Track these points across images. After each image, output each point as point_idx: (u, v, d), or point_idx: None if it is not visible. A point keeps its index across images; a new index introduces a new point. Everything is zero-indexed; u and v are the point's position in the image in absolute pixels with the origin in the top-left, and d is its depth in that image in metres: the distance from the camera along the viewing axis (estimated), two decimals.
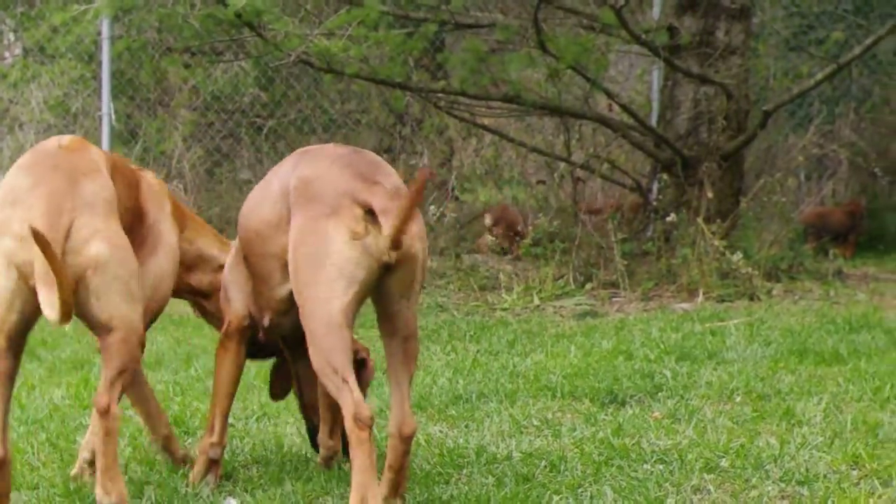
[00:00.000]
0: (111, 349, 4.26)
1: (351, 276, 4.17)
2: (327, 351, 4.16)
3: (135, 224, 4.65)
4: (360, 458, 4.08)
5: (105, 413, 4.24)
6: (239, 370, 4.88)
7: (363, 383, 4.92)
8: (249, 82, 14.46)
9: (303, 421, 5.23)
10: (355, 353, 4.73)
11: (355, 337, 4.99)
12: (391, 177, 4.36)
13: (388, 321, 4.36)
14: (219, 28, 10.96)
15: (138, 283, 4.37)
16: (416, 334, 4.39)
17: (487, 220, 12.44)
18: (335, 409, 4.93)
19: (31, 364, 7.48)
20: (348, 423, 4.10)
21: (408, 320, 4.35)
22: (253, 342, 4.87)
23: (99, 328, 4.25)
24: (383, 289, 4.29)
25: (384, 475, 4.36)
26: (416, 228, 4.29)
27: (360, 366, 4.88)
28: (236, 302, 4.81)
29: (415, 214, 4.25)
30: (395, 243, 4.14)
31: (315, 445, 5.08)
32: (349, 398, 4.11)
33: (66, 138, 4.44)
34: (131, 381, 4.55)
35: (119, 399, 4.36)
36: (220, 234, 5.35)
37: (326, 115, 14.70)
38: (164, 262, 4.81)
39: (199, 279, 5.23)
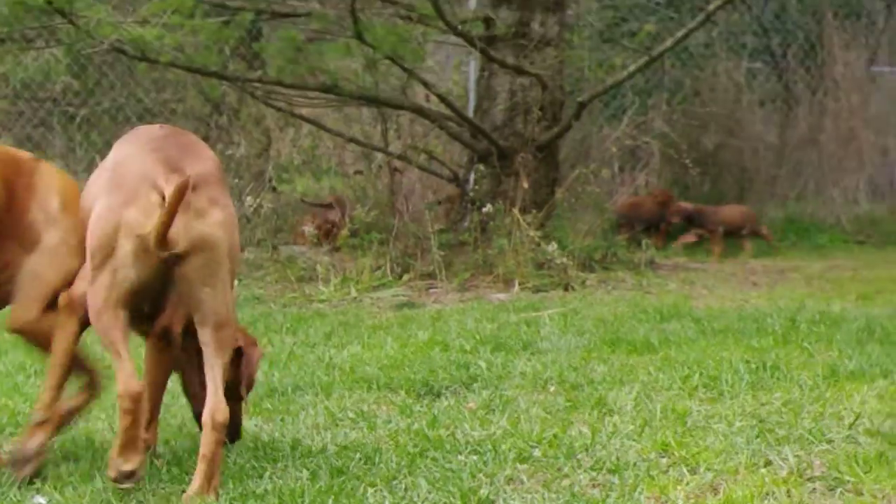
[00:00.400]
0: None
1: (128, 269, 4.27)
2: (103, 330, 4.34)
3: (4, 218, 4.62)
4: (124, 424, 4.33)
5: None
6: (74, 345, 4.83)
7: (244, 374, 4.93)
8: (61, 70, 14.19)
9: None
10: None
11: (242, 325, 5.03)
12: (201, 162, 4.34)
13: (195, 309, 4.38)
14: (29, 14, 10.73)
15: None
16: (228, 323, 4.41)
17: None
18: (152, 402, 4.91)
19: None
20: (119, 395, 4.30)
21: (216, 308, 4.35)
22: None
23: None
24: (180, 277, 4.32)
25: (197, 466, 4.36)
26: (220, 216, 4.30)
27: (238, 354, 4.88)
28: (78, 280, 4.77)
29: (218, 201, 4.30)
30: (159, 243, 4.16)
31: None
32: (121, 372, 4.30)
33: None
34: None
35: None
36: None
37: (141, 103, 14.49)
38: (39, 262, 4.73)
39: None
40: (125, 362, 4.30)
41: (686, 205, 13.61)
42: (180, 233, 4.22)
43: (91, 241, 4.34)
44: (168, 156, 4.31)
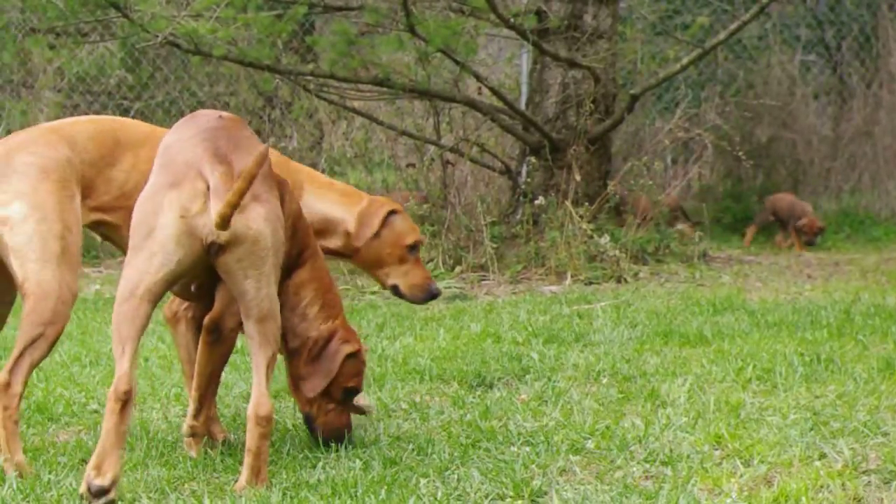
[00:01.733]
0: (22, 316, 4.51)
1: (169, 253, 4.26)
2: (120, 318, 4.25)
3: None
4: (106, 425, 4.19)
5: (3, 389, 4.49)
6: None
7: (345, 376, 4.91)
8: (116, 64, 14.27)
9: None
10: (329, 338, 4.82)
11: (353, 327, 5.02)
12: (250, 158, 4.35)
13: (239, 302, 4.40)
14: (84, 8, 10.82)
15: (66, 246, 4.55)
16: (272, 316, 4.41)
17: None
18: (201, 392, 4.93)
19: None
20: (109, 394, 4.20)
21: (260, 302, 4.37)
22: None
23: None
24: (223, 268, 4.34)
25: (244, 459, 4.39)
26: (262, 210, 4.33)
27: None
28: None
29: (260, 197, 4.31)
30: (222, 224, 4.18)
31: (312, 432, 5.00)
32: (119, 370, 4.20)
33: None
34: (41, 356, 4.61)
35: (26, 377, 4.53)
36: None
37: (194, 97, 14.56)
38: None
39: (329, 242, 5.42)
40: (126, 361, 4.19)
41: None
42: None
43: (133, 220, 4.35)
44: (218, 146, 4.33)
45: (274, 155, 5.27)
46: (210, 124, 4.47)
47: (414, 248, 5.56)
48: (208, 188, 4.24)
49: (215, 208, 4.18)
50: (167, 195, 4.27)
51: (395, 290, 5.64)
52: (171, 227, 4.25)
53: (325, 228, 5.38)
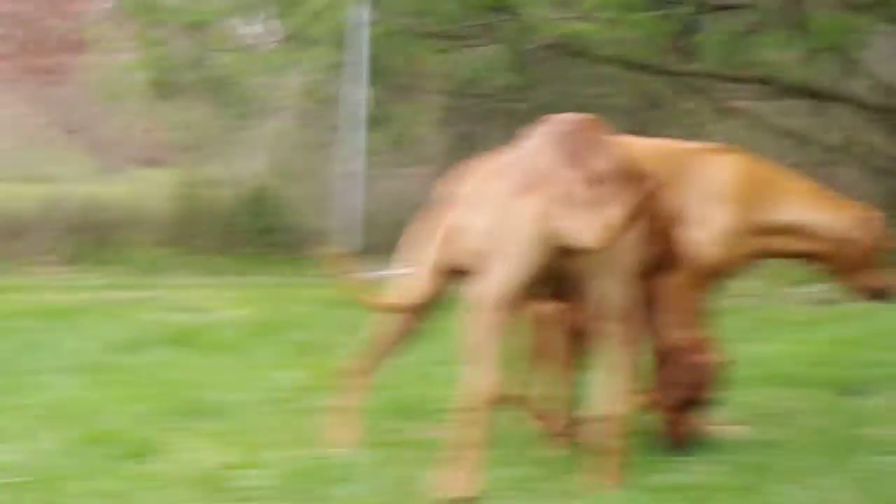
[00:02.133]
0: None
1: (525, 258, 4.21)
2: (481, 326, 4.21)
3: None
4: (468, 436, 4.15)
5: None
6: None
7: (693, 380, 4.86)
8: (502, 66, 14.45)
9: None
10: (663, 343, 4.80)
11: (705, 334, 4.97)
12: (603, 160, 4.31)
13: (596, 302, 4.36)
14: (472, 11, 11.06)
15: None
16: (629, 317, 4.39)
17: None
18: (562, 389, 4.99)
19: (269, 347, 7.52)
20: (473, 401, 4.15)
21: (617, 303, 4.34)
22: None
23: None
24: (580, 271, 4.29)
25: (596, 460, 4.35)
26: (621, 213, 4.21)
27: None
28: None
29: (619, 200, 4.22)
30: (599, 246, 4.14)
31: (663, 437, 4.97)
32: (485, 376, 4.16)
33: None
34: None
35: None
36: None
37: (576, 98, 14.58)
38: None
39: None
40: (493, 370, 4.17)
41: None
42: (582, 227, 4.17)
43: (486, 227, 4.33)
44: (572, 150, 4.29)
45: (750, 162, 5.35)
46: (564, 128, 4.42)
47: (889, 252, 5.54)
48: (564, 193, 4.20)
49: (581, 219, 4.15)
50: (521, 201, 4.23)
51: (870, 292, 5.61)
52: (528, 233, 4.21)
53: (806, 232, 5.38)
